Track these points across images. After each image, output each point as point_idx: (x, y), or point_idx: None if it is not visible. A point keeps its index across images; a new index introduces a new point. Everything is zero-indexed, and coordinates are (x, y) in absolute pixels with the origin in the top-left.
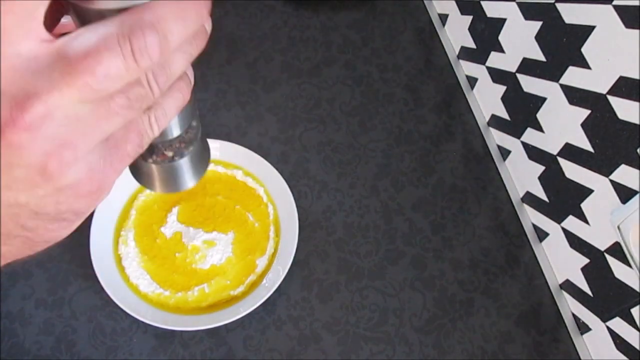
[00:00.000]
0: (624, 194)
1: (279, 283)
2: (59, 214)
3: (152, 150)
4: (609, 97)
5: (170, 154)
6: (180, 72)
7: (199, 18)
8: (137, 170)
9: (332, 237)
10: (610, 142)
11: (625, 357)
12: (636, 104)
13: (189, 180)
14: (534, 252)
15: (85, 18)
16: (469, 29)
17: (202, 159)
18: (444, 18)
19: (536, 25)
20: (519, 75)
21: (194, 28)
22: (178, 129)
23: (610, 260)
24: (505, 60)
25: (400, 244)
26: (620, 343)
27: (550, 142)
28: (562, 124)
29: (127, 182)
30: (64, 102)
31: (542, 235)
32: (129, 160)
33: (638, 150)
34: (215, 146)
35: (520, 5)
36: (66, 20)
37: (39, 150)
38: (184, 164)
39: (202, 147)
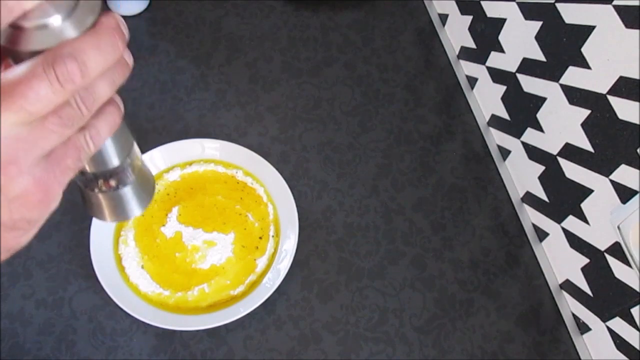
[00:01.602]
0: (624, 194)
1: (279, 283)
2: (14, 223)
3: (97, 180)
4: (609, 97)
5: (113, 183)
6: (106, 96)
7: (114, 49)
8: (87, 201)
9: (332, 237)
10: (610, 142)
11: (625, 357)
12: (636, 104)
13: (135, 208)
14: (534, 252)
15: (19, 58)
16: (469, 29)
17: (146, 187)
18: (444, 18)
19: (536, 25)
20: (519, 75)
21: (111, 57)
22: (117, 158)
23: (610, 260)
24: (505, 60)
25: (400, 244)
26: (620, 343)
27: (550, 142)
28: (562, 124)
29: None
30: (4, 124)
31: (542, 235)
32: (70, 172)
33: (638, 150)
34: (215, 146)
35: (520, 5)
36: None
37: None
38: (128, 192)
39: (144, 176)
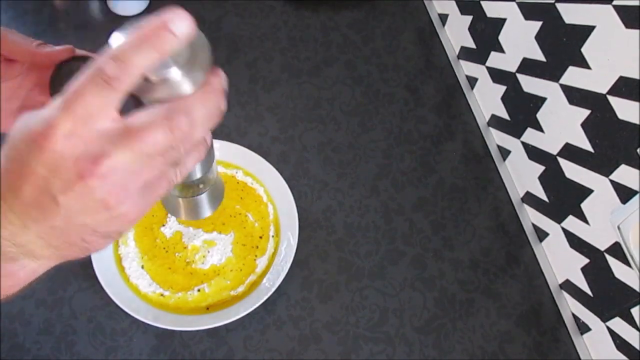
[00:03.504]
0: (624, 194)
1: (279, 283)
2: (109, 233)
3: (179, 189)
4: (609, 97)
5: (192, 191)
6: (202, 138)
7: (217, 106)
8: (167, 202)
9: (332, 237)
10: (610, 142)
11: (625, 357)
12: (636, 104)
13: (207, 211)
14: (534, 252)
15: (141, 104)
16: (469, 29)
17: (218, 195)
18: (444, 18)
19: (536, 25)
20: (519, 75)
21: (214, 113)
22: (200, 173)
23: (610, 260)
24: (505, 60)
25: (400, 244)
26: (620, 343)
27: (550, 142)
28: (562, 124)
29: None
30: (124, 159)
31: (542, 235)
32: (159, 198)
33: (638, 150)
34: (215, 146)
35: (520, 5)
36: None
37: (105, 190)
38: (203, 199)
39: (217, 186)
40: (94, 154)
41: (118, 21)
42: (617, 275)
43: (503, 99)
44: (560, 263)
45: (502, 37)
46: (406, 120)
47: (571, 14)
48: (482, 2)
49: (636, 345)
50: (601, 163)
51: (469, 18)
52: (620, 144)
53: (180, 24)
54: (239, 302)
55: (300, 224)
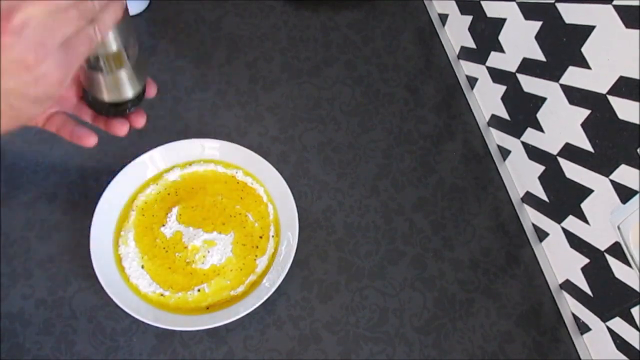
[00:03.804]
0: (624, 194)
1: (279, 283)
2: (37, 97)
3: (100, 62)
4: (609, 97)
5: (113, 65)
6: None
7: None
8: (89, 81)
9: (332, 237)
10: (610, 142)
11: (625, 357)
12: (636, 104)
13: (129, 90)
14: (534, 252)
15: None
16: (469, 29)
17: (140, 75)
18: (444, 18)
19: (536, 25)
20: (519, 75)
21: None
22: (119, 43)
23: (610, 260)
24: (505, 60)
25: (400, 244)
26: (620, 343)
27: (550, 142)
28: (562, 124)
29: (126, 183)
30: (36, 13)
31: (542, 235)
32: (82, 57)
33: (638, 150)
34: (215, 146)
35: (520, 5)
36: None
37: (22, 47)
38: (124, 75)
39: (140, 65)
40: (4, 9)
41: None
42: (617, 275)
43: (503, 99)
44: (560, 263)
45: (502, 37)
46: (406, 120)
47: (571, 14)
48: (482, 2)
49: (636, 345)
50: (601, 163)
51: (469, 18)
52: (620, 144)
53: None
54: (239, 302)
55: (300, 224)
